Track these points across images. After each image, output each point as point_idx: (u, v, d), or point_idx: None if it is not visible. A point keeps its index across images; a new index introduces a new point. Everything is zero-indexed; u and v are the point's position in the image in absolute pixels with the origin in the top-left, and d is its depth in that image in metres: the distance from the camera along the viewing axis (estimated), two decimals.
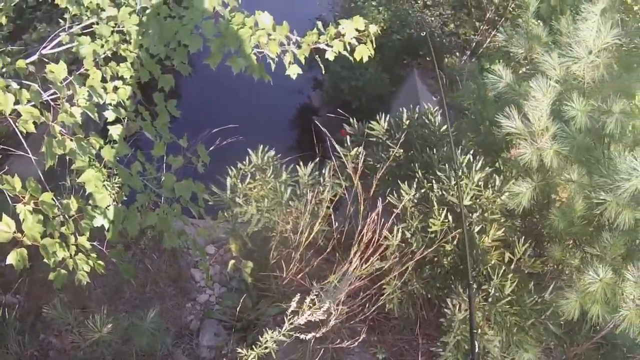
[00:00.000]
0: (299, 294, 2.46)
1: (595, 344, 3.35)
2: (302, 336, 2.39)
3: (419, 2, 8.04)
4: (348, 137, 3.56)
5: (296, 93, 7.86)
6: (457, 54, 7.36)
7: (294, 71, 3.26)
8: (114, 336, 3.20)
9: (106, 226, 2.56)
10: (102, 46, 2.91)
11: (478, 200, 3.27)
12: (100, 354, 3.18)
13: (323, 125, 7.65)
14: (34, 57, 2.98)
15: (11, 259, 2.10)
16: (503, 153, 3.90)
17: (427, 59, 7.31)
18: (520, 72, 3.92)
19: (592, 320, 3.02)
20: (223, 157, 3.90)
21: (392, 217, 3.16)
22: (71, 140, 2.39)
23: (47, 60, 2.97)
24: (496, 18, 7.88)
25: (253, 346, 2.26)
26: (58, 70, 2.51)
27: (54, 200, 2.29)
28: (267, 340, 2.17)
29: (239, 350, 2.50)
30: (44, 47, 2.97)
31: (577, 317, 3.03)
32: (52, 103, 2.70)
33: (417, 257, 3.15)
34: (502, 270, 3.11)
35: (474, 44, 7.44)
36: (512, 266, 3.22)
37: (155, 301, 3.75)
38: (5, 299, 3.47)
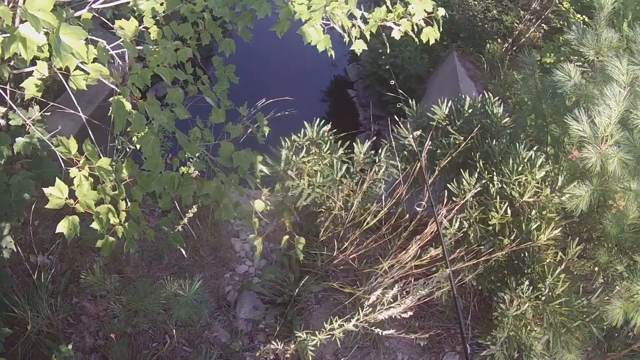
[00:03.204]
0: (350, 277, 2.37)
1: (632, 351, 3.34)
2: (378, 331, 2.31)
3: None
4: (408, 124, 3.44)
5: (331, 66, 7.64)
6: (499, 40, 7.18)
7: (359, 46, 3.16)
8: (154, 306, 3.12)
9: (158, 193, 2.42)
10: (162, 4, 2.77)
11: (537, 197, 3.18)
12: (137, 322, 3.11)
13: (358, 98, 7.57)
14: (84, 11, 2.80)
15: (62, 227, 1.96)
16: (557, 150, 3.81)
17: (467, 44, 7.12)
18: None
19: (634, 328, 3.03)
20: (273, 129, 3.78)
21: (454, 207, 3.07)
22: (137, 103, 2.26)
23: (97, 15, 2.82)
24: (538, 9, 7.69)
25: (316, 332, 2.17)
26: (129, 27, 2.37)
27: (111, 166, 2.15)
28: (333, 328, 2.09)
29: (298, 334, 2.41)
30: (95, 1, 2.79)
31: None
32: (119, 61, 2.58)
33: (472, 248, 3.08)
34: (556, 270, 3.06)
35: (517, 32, 7.24)
36: (562, 266, 3.17)
37: (194, 269, 3.69)
38: (38, 259, 3.32)
